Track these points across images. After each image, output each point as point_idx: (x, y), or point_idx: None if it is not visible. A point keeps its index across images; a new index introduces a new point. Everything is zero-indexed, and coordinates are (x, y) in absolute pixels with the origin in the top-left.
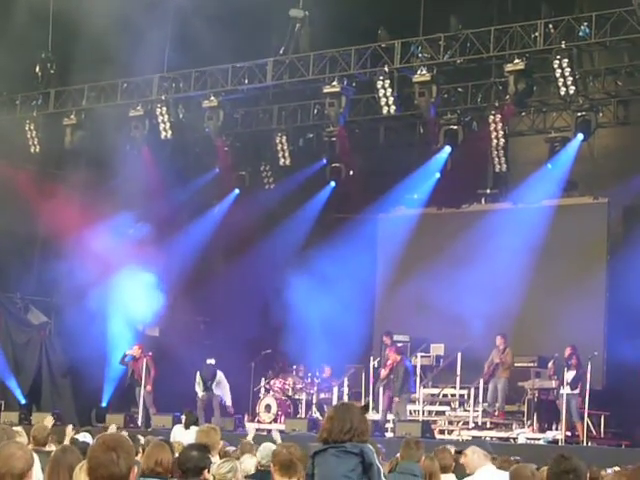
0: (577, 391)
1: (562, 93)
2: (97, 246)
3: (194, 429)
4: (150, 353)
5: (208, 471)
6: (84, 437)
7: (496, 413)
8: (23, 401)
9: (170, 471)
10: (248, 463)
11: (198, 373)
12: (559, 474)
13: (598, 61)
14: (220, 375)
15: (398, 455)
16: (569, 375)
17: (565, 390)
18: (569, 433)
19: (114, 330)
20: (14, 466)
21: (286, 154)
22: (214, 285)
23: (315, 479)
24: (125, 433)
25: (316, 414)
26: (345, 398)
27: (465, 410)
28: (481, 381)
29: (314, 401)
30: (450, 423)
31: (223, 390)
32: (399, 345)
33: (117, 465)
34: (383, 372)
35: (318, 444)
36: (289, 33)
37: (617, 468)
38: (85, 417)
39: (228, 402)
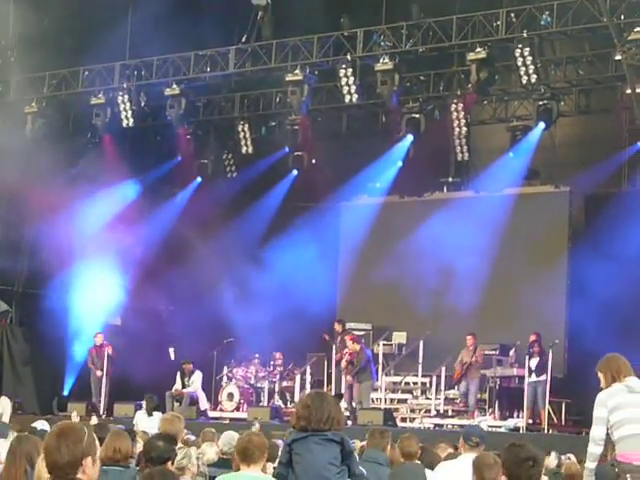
0: (543, 377)
1: (524, 82)
2: (59, 234)
3: (157, 415)
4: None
5: (172, 463)
6: (42, 425)
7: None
8: None
9: (129, 458)
10: (209, 451)
11: (179, 373)
12: (519, 462)
13: (559, 50)
14: (197, 375)
15: (363, 443)
16: (533, 362)
17: (531, 377)
18: (531, 421)
19: (76, 319)
20: None
21: (248, 142)
22: (176, 273)
23: (296, 466)
24: (126, 427)
25: (278, 402)
26: (307, 386)
27: (427, 398)
28: (443, 369)
29: (276, 389)
30: (412, 411)
31: (197, 391)
32: (357, 334)
33: (59, 452)
34: (343, 362)
35: (287, 432)
36: (252, 21)
37: (571, 455)
38: (47, 406)
39: (203, 406)
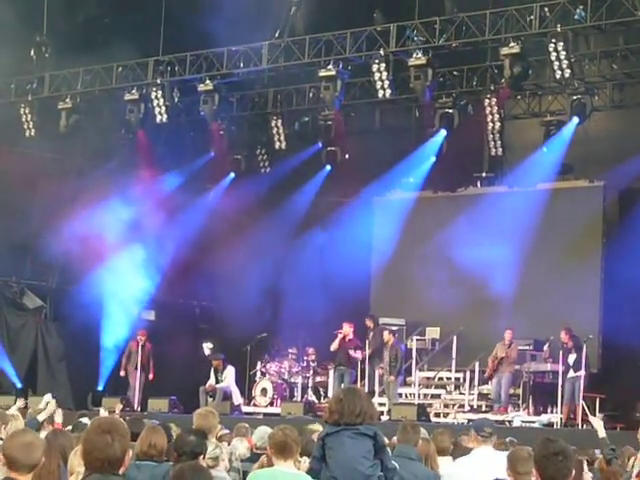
0: (580, 373)
1: (557, 76)
2: (92, 230)
3: None
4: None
5: (204, 457)
6: (87, 421)
7: (499, 408)
8: (19, 385)
9: (164, 454)
10: (240, 447)
11: (212, 369)
12: (548, 456)
13: (593, 44)
14: (229, 370)
15: (395, 439)
16: (571, 358)
17: (570, 373)
18: (570, 416)
19: (110, 314)
20: (33, 456)
21: (282, 138)
22: (210, 269)
23: (329, 461)
24: (157, 421)
25: (312, 397)
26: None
27: (461, 393)
28: (476, 364)
29: (310, 384)
30: (446, 406)
31: (230, 386)
32: (390, 329)
33: (112, 447)
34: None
35: (319, 426)
36: (285, 16)
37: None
38: (81, 401)
39: (236, 401)
